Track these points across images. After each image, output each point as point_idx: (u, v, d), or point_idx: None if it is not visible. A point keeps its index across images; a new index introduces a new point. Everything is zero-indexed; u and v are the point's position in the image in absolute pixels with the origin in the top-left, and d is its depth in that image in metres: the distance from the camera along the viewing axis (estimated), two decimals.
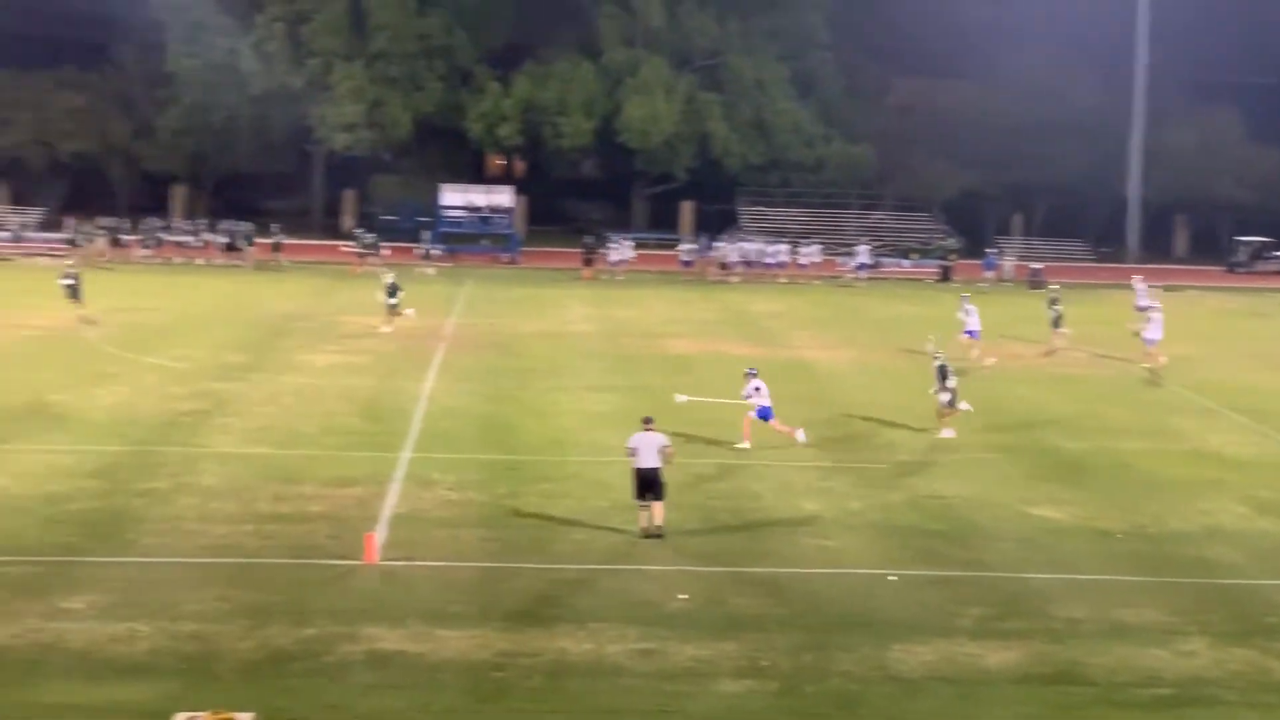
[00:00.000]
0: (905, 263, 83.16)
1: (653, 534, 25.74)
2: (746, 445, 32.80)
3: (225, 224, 76.58)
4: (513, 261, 79.19)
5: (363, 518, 26.52)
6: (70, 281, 49.57)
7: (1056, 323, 49.05)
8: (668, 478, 25.94)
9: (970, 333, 46.98)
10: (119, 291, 57.11)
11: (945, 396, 34.88)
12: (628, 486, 26.11)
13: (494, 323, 52.84)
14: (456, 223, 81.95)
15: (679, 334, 52.01)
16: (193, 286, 62.49)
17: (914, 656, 20.71)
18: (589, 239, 75.63)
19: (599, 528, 26.47)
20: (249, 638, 20.58)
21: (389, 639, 20.70)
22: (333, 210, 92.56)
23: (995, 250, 79.38)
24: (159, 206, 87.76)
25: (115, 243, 73.26)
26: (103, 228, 74.50)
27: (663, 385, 38.97)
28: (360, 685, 19.26)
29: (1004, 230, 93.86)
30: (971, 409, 35.47)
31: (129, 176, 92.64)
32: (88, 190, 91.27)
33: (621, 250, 74.62)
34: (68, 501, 26.85)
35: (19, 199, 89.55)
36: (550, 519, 27.07)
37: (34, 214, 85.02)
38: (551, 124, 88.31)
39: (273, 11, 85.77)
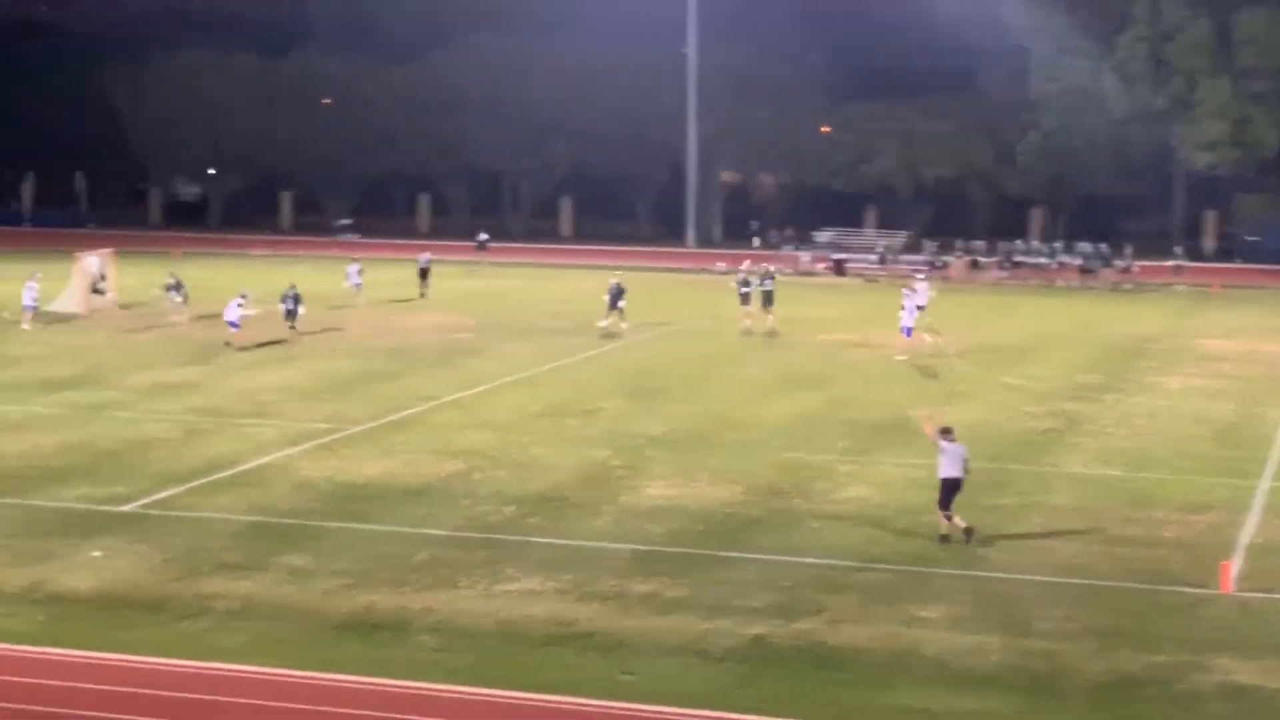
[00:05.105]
0: None
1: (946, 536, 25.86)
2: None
3: (1081, 245, 76.54)
4: None
5: (1216, 545, 25.80)
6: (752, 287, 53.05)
7: None
8: None
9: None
10: (975, 312, 58.44)
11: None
12: None
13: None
14: None
15: None
16: (1047, 308, 62.92)
17: None
18: None
19: None
20: (1097, 660, 20.53)
21: (1243, 672, 20.01)
22: (1193, 231, 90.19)
23: None
24: (1016, 229, 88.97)
25: (973, 265, 75.10)
26: (960, 250, 76.57)
27: None
28: (1211, 717, 18.76)
29: None
30: None
31: (988, 200, 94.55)
32: (949, 214, 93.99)
33: None
34: (922, 513, 27.78)
35: (885, 223, 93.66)
36: None
37: (899, 237, 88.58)
38: None
39: (1136, 32, 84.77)
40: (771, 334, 51.50)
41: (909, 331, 47.03)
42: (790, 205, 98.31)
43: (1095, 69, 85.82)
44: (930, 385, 42.17)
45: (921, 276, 57.86)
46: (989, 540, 26.23)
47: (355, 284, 59.58)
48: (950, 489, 25.89)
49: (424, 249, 66.97)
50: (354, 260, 61.90)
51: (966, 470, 26.06)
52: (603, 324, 52.00)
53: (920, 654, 20.71)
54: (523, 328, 53.04)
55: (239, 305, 47.71)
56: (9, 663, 20.03)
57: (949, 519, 25.94)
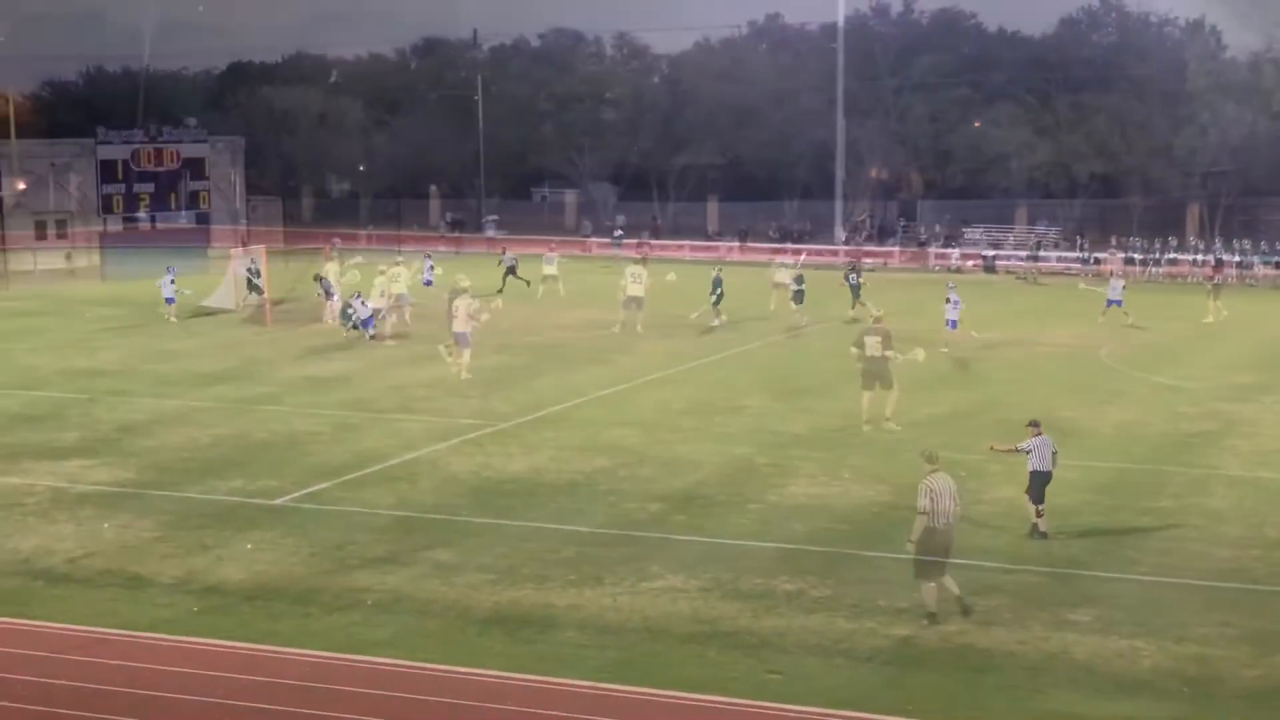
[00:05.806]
0: None
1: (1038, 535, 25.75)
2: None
3: (1239, 242, 75.13)
4: None
5: None
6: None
7: None
8: None
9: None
10: (1129, 310, 57.42)
11: None
12: None
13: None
14: None
15: None
16: (1201, 306, 61.63)
17: None
18: None
19: None
20: (1254, 665, 20.04)
21: None
22: None
23: None
24: (1171, 226, 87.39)
25: (1127, 262, 73.97)
26: (1113, 247, 75.47)
27: None
28: None
29: None
30: None
31: (1142, 196, 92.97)
32: (1102, 210, 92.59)
33: None
34: (1073, 515, 27.36)
35: (1036, 220, 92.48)
36: None
37: (1050, 234, 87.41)
38: None
39: None
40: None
41: (954, 324, 47.54)
42: (940, 202, 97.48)
43: (1254, 62, 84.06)
44: (1082, 385, 41.49)
45: (1120, 274, 63.11)
46: (1140, 542, 25.75)
47: (428, 281, 60.46)
48: (1040, 482, 25.80)
49: (507, 248, 68.43)
50: (428, 256, 64.24)
51: (1054, 463, 25.94)
52: (715, 320, 52.96)
53: (1070, 658, 20.35)
54: (662, 324, 53.01)
55: (365, 300, 49.79)
56: (162, 652, 20.40)
57: (1041, 512, 25.90)
